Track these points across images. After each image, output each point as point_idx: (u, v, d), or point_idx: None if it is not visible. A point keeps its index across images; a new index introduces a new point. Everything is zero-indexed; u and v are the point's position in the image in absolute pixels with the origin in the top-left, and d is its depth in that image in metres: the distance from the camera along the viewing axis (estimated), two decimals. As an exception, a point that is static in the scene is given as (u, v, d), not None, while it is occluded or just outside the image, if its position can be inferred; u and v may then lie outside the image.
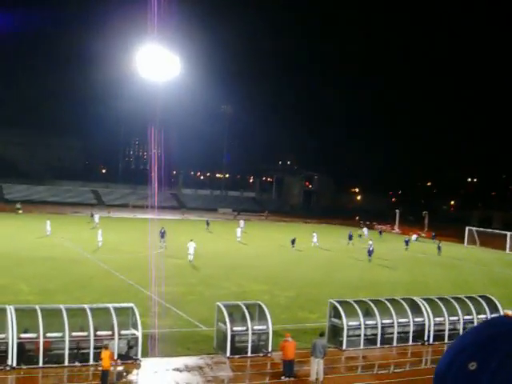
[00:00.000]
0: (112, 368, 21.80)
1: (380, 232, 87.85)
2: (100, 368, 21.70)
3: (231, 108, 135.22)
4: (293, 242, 64.17)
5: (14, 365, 23.21)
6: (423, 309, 30.09)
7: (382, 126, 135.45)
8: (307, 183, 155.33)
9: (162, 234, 60.52)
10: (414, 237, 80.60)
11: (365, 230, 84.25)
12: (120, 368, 24.16)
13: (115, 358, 22.20)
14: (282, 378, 23.80)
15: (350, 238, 71.79)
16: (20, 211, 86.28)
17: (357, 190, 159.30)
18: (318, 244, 66.38)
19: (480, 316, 30.73)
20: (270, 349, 26.53)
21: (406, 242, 72.23)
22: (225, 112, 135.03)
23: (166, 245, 56.70)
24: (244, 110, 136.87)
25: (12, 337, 23.34)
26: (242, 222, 77.68)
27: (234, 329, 26.50)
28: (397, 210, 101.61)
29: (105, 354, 21.76)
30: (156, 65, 74.24)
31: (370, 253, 58.32)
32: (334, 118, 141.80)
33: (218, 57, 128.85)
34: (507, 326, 1.09)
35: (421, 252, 68.94)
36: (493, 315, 30.52)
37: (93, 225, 72.40)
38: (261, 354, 26.57)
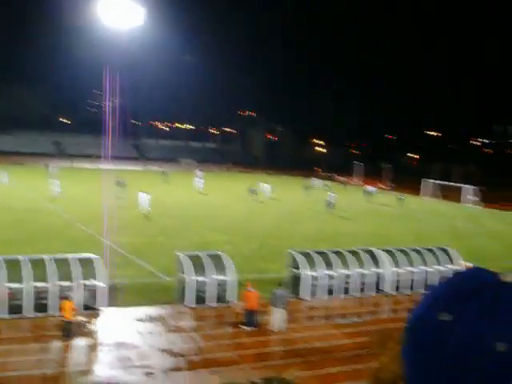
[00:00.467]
0: (74, 318, 21.81)
1: (344, 185, 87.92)
2: (62, 319, 21.72)
3: (194, 58, 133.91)
4: (252, 191, 64.53)
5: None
6: (383, 259, 30.60)
7: (344, 79, 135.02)
8: (270, 135, 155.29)
9: (120, 184, 60.57)
10: (371, 188, 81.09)
11: (316, 181, 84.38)
12: (83, 318, 24.23)
13: (76, 308, 22.18)
14: (244, 327, 24.12)
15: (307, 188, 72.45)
16: None
17: (319, 141, 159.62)
18: (269, 195, 66.42)
19: (439, 267, 31.37)
20: (231, 298, 26.82)
21: (367, 193, 73.03)
22: (188, 62, 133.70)
23: (126, 195, 56.27)
24: (208, 60, 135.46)
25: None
26: (199, 173, 76.88)
27: (196, 279, 26.68)
28: (358, 162, 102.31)
29: (66, 304, 21.76)
30: (119, 13, 72.95)
31: (330, 205, 58.64)
32: (296, 69, 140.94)
33: (182, 7, 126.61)
34: (481, 278, 1.12)
35: (382, 204, 69.66)
36: (450, 266, 31.20)
37: (49, 175, 71.55)
38: (222, 304, 26.86)
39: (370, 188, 79.41)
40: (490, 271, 1.15)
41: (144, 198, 49.90)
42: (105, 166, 74.82)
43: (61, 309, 21.99)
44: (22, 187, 61.39)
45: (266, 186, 68.33)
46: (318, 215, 56.12)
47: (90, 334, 22.98)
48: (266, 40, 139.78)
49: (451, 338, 1.06)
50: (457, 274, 1.16)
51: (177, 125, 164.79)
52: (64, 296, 22.80)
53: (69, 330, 21.40)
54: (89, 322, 23.56)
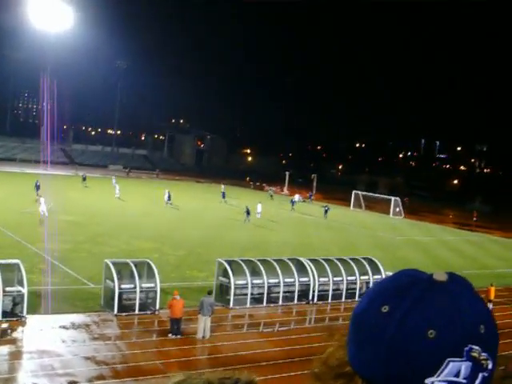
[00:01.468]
0: None
1: (271, 196, 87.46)
2: None
3: (125, 63, 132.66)
4: (169, 198, 64.66)
5: None
6: (308, 269, 30.89)
7: (277, 88, 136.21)
8: (199, 142, 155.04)
9: (38, 187, 60.73)
10: (297, 197, 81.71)
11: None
12: (4, 325, 23.72)
13: None
14: (169, 335, 23.99)
15: (224, 196, 72.14)
16: None
17: (249, 151, 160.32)
18: (170, 203, 65.71)
19: (363, 277, 31.85)
20: (157, 307, 26.65)
21: (292, 203, 73.63)
22: (119, 67, 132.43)
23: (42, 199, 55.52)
24: (138, 66, 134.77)
25: None
26: (113, 180, 75.22)
27: (122, 286, 26.43)
28: (287, 172, 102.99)
29: None
30: (48, 15, 71.68)
31: (248, 213, 57.86)
32: (228, 78, 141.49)
33: (114, 11, 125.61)
34: (416, 275, 1.28)
35: (308, 214, 70.38)
36: (375, 276, 31.68)
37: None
38: (148, 312, 26.68)
39: (296, 197, 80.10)
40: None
41: (42, 203, 49.10)
42: (33, 170, 73.63)
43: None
44: None
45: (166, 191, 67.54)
46: (243, 224, 56.17)
47: (12, 341, 22.54)
48: (201, 46, 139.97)
49: (389, 326, 1.22)
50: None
51: (107, 130, 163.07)
52: None
53: None
54: (11, 329, 23.07)
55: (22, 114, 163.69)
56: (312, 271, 30.81)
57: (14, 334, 23.27)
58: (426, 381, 1.18)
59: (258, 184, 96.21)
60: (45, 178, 64.23)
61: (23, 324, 24.07)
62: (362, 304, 1.34)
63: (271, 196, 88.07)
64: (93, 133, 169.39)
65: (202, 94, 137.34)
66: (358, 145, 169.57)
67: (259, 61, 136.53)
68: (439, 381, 1.18)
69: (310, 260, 31.93)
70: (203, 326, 23.99)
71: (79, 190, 70.95)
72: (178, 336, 23.91)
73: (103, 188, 75.59)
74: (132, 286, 26.67)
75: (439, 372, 1.18)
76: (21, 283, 24.78)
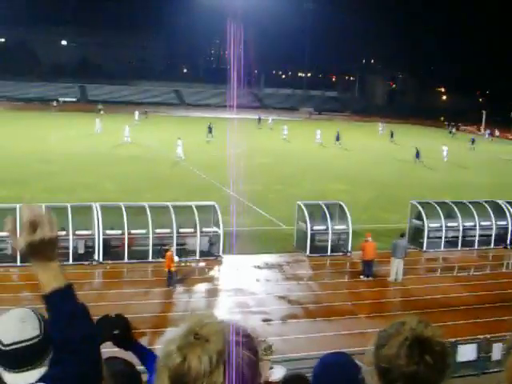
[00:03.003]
0: (173, 269, 22.10)
1: (472, 140, 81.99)
2: (164, 269, 22.28)
3: (312, 5, 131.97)
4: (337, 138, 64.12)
5: (101, 260, 24.27)
6: (507, 212, 29.67)
7: (471, 23, 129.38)
8: (391, 83, 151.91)
9: (210, 130, 63.88)
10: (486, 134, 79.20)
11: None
12: (202, 264, 25.00)
13: (176, 259, 22.33)
14: (361, 277, 24.13)
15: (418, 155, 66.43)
16: (102, 112, 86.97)
17: (442, 89, 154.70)
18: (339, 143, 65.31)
19: None
20: (349, 248, 26.84)
21: (472, 141, 70.45)
22: (307, 9, 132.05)
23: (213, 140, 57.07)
24: (327, 7, 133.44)
25: (98, 233, 24.31)
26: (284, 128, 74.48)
27: (314, 228, 26.84)
28: (483, 111, 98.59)
29: (166, 255, 22.26)
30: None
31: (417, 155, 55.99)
32: (421, 15, 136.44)
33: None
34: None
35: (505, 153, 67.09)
36: None
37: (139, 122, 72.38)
38: (340, 254, 26.95)
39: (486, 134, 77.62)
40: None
41: (180, 145, 50.59)
42: (225, 115, 75.83)
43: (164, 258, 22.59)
44: (144, 137, 62.77)
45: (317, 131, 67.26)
46: (436, 164, 54.58)
47: (209, 279, 23.72)
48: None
49: None
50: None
51: (297, 73, 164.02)
52: (166, 247, 23.30)
53: (170, 279, 21.95)
54: (208, 268, 24.25)
55: (214, 61, 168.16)
56: (510, 214, 29.56)
57: (211, 273, 24.46)
58: None
59: (453, 124, 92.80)
60: (231, 122, 65.97)
61: (219, 263, 25.22)
62: None
63: (451, 133, 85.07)
64: (283, 76, 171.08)
65: (392, 32, 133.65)
66: None
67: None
68: None
69: (509, 202, 30.58)
70: (396, 268, 23.88)
71: (266, 134, 72.03)
72: (370, 278, 23.99)
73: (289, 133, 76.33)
74: (324, 227, 27.00)
75: None
76: (217, 224, 25.88)
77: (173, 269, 21.94)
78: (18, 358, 2.72)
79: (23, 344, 2.77)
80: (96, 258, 24.26)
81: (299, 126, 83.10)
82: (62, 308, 2.47)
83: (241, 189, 35.60)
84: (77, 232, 24.29)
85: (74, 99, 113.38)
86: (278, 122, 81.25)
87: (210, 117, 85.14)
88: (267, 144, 61.00)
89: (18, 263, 23.31)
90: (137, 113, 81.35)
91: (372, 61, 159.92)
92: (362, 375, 2.22)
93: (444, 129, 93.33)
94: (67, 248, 23.79)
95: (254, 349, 1.94)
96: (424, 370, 2.11)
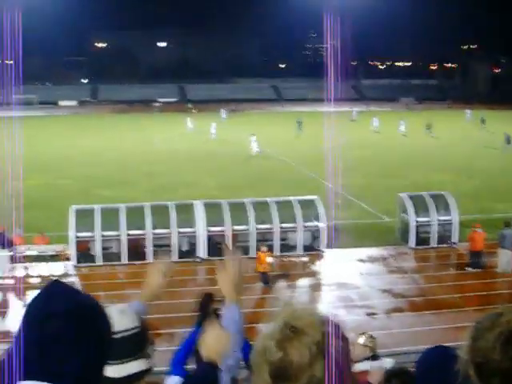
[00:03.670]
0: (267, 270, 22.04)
1: None
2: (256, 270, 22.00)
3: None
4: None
5: (205, 256, 24.66)
6: None
7: None
8: (494, 68, 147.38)
9: (299, 124, 65.46)
10: None
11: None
12: (305, 259, 25.05)
13: (269, 260, 22.17)
14: (468, 268, 23.59)
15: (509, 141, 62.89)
16: (193, 111, 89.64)
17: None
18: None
19: None
20: (455, 239, 26.28)
21: None
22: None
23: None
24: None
25: (201, 231, 24.71)
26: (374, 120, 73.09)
27: (418, 219, 26.42)
28: None
29: (260, 256, 22.14)
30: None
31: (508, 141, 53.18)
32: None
33: None
34: None
35: None
36: None
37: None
38: (445, 245, 26.42)
39: None
40: None
41: (253, 141, 50.72)
42: (323, 108, 75.54)
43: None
44: (231, 133, 63.23)
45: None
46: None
47: (311, 273, 23.75)
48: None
49: None
50: None
51: (395, 63, 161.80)
52: (259, 248, 23.09)
53: (264, 281, 21.90)
54: (312, 262, 24.28)
55: (311, 55, 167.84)
56: None
57: (314, 267, 24.49)
58: None
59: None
60: (326, 115, 65.68)
61: (321, 257, 25.21)
62: None
63: None
64: (381, 67, 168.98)
65: (494, 15, 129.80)
66: None
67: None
68: None
69: None
70: (504, 259, 23.22)
71: (358, 126, 71.08)
72: (479, 269, 23.41)
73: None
74: (428, 218, 26.55)
75: None
76: (318, 218, 25.86)
77: (263, 269, 21.72)
78: (119, 347, 2.79)
79: (123, 334, 2.88)
80: (200, 254, 24.68)
81: (392, 117, 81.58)
82: None
83: (341, 182, 35.38)
84: (180, 230, 24.79)
85: (173, 99, 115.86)
86: (368, 113, 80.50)
87: (305, 111, 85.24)
88: (360, 136, 59.99)
89: (123, 262, 24.13)
90: (223, 110, 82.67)
91: (474, 46, 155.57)
92: (459, 367, 2.16)
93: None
94: (171, 246, 24.42)
95: (346, 338, 1.96)
96: None
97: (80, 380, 1.92)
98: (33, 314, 1.95)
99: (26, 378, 1.88)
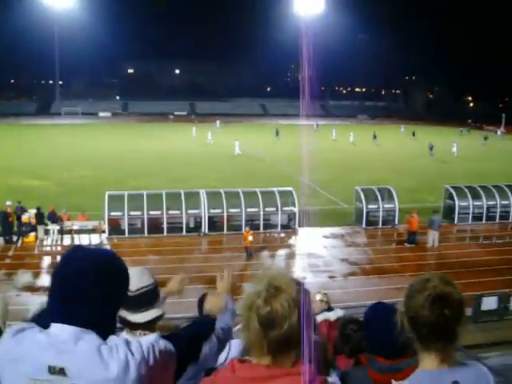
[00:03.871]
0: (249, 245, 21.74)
1: (461, 131, 79.91)
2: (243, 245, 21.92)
3: (364, 36, 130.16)
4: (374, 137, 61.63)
5: (206, 231, 24.62)
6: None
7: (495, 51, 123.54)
8: (429, 94, 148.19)
9: (277, 133, 64.56)
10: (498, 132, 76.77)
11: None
12: (282, 235, 24.97)
13: (250, 239, 22.02)
14: (406, 244, 23.69)
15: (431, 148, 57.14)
16: (195, 121, 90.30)
17: (469, 98, 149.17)
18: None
19: None
20: (396, 222, 26.36)
21: (485, 139, 67.21)
22: (359, 39, 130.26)
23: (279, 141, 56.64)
24: (375, 37, 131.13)
25: (204, 212, 24.66)
26: (333, 131, 72.70)
27: (369, 206, 26.49)
28: (503, 114, 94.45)
29: (245, 234, 21.94)
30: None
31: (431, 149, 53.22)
32: (447, 40, 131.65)
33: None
34: None
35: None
36: None
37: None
38: (389, 226, 26.48)
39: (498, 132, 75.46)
40: None
41: (237, 145, 50.61)
42: (298, 122, 75.64)
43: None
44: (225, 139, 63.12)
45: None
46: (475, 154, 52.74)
47: (288, 246, 23.72)
48: (424, 14, 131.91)
49: None
50: None
51: (354, 88, 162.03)
52: (247, 228, 22.79)
53: (247, 253, 21.76)
54: (288, 237, 24.19)
55: (291, 80, 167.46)
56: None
57: (289, 241, 24.46)
58: None
59: (477, 125, 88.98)
60: (297, 127, 65.36)
61: (295, 234, 25.19)
62: None
63: (461, 132, 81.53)
64: (344, 91, 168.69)
65: (431, 53, 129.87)
66: None
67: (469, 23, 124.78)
68: None
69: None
70: (432, 237, 23.35)
71: (320, 136, 70.75)
72: (413, 245, 23.50)
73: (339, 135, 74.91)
74: (376, 206, 26.62)
75: None
76: (293, 204, 25.86)
77: (246, 244, 21.60)
78: (140, 300, 2.87)
79: (144, 290, 2.89)
80: (203, 230, 24.63)
81: (347, 129, 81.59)
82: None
83: (311, 178, 35.37)
84: (188, 211, 24.73)
85: (184, 113, 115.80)
86: (329, 126, 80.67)
87: (285, 123, 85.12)
88: (323, 142, 59.68)
89: (145, 235, 24.01)
90: (218, 122, 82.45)
91: (413, 77, 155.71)
92: (397, 319, 2.21)
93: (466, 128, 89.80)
94: (181, 223, 24.36)
95: (309, 293, 2.00)
96: (443, 320, 2.08)
97: (99, 323, 1.88)
98: (60, 270, 1.94)
99: (56, 322, 1.89)
